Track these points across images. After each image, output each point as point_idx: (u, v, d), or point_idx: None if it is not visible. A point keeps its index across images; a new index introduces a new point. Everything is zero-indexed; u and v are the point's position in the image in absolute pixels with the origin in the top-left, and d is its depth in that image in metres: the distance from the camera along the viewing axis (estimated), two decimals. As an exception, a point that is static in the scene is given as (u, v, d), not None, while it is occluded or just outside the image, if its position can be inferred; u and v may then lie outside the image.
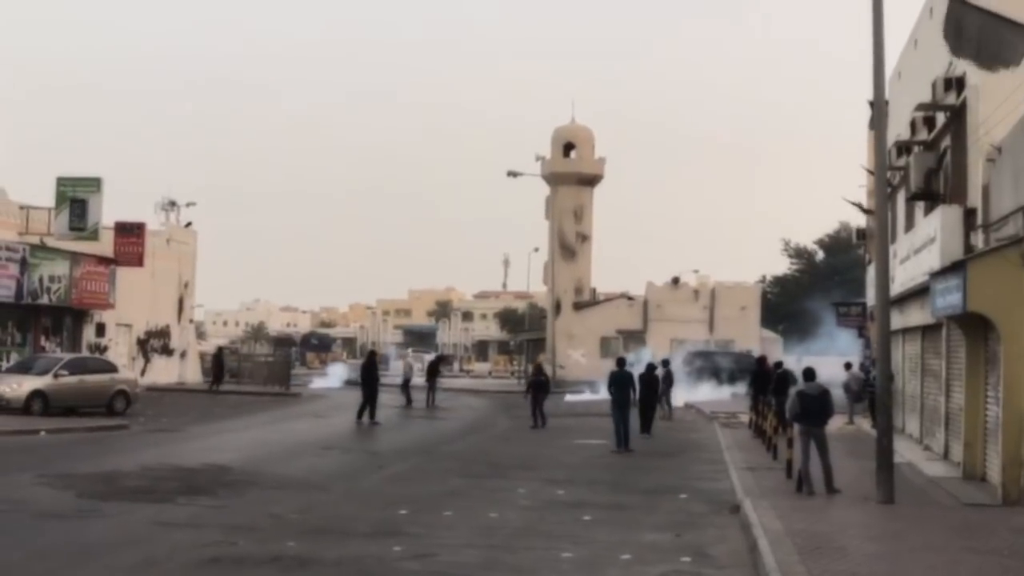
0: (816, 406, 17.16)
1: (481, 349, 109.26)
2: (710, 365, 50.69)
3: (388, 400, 37.38)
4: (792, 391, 18.78)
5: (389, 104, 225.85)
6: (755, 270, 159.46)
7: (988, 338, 17.75)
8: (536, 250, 77.05)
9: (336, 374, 57.73)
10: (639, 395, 26.67)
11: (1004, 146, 17.10)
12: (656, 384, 29.19)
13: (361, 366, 32.78)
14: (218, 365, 46.62)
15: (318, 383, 53.26)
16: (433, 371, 39.90)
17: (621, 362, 26.46)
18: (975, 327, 17.84)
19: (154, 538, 12.58)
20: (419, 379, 40.22)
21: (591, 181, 67.30)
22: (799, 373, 18.83)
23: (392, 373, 54.60)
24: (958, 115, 20.41)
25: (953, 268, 17.21)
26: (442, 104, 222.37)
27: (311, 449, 23.26)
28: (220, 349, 53.14)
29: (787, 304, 73.18)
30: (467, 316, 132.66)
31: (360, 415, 29.90)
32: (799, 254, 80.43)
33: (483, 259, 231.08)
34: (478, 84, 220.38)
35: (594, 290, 69.17)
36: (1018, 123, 16.34)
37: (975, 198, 18.95)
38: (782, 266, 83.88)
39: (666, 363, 35.24)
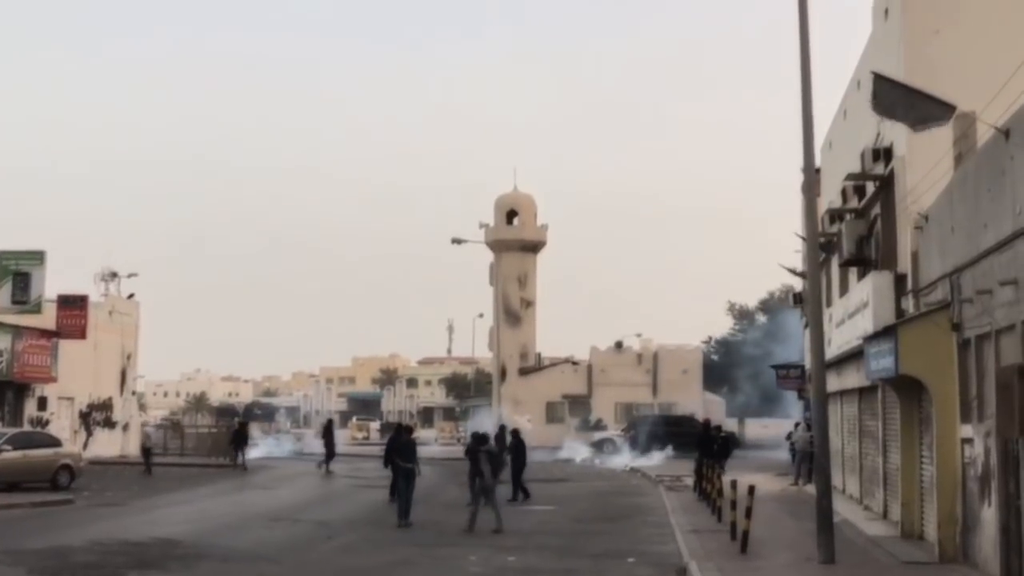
0: (496, 463, 21.90)
1: (427, 416, 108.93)
2: (653, 429, 51.19)
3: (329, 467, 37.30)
4: (481, 451, 21.63)
5: (331, 170, 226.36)
6: (697, 331, 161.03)
7: (921, 400, 18.37)
8: (481, 316, 77.58)
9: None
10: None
11: (931, 214, 17.83)
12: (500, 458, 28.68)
13: (389, 440, 27.85)
14: (329, 437, 40.67)
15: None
16: (241, 436, 43.44)
17: (408, 430, 25.07)
18: (909, 389, 18.45)
19: (108, 613, 12.64)
20: None
21: (534, 247, 68.13)
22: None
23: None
24: (887, 184, 21.21)
25: (885, 332, 17.85)
26: (385, 170, 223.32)
27: (259, 521, 23.26)
28: (330, 422, 45.88)
29: (730, 366, 74.04)
30: (412, 383, 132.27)
31: (393, 493, 25.83)
32: (742, 315, 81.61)
33: (427, 325, 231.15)
34: (421, 152, 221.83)
35: (539, 355, 69.67)
36: (943, 192, 17.07)
37: (905, 264, 19.67)
38: (725, 326, 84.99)
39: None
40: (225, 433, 52.11)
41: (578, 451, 51.67)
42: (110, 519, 23.24)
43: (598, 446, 52.39)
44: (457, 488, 31.49)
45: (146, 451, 39.96)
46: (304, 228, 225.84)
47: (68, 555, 17.32)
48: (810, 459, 31.86)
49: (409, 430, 25.25)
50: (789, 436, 37.47)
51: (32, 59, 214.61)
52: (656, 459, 44.69)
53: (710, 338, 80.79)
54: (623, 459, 47.38)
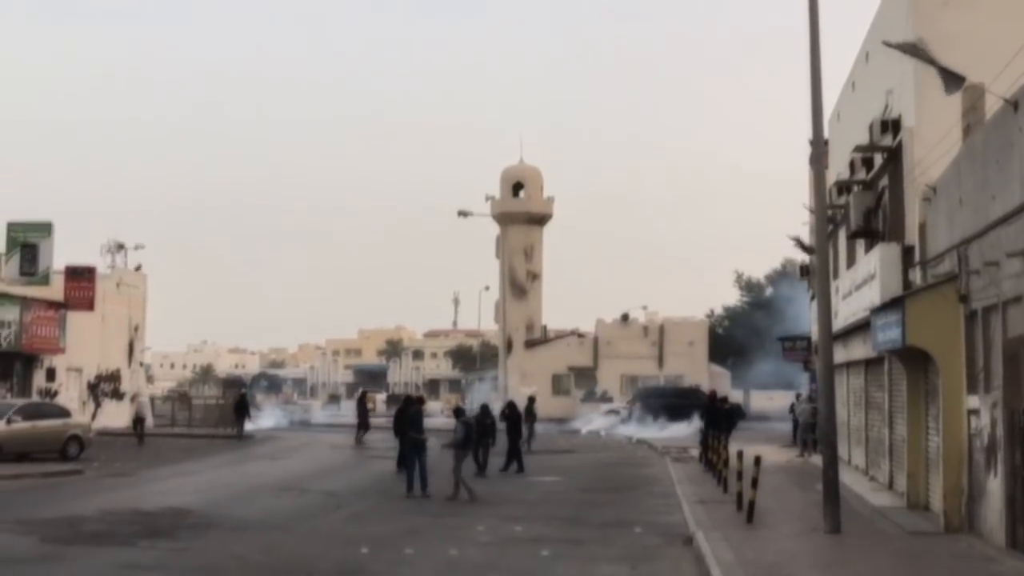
0: (476, 433, 23.86)
1: (433, 387, 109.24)
2: (660, 401, 51.34)
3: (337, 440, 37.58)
4: (459, 421, 22.73)
5: (339, 143, 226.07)
6: (704, 302, 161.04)
7: (928, 371, 18.41)
8: (487, 288, 77.65)
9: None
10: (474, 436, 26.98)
11: (939, 186, 17.81)
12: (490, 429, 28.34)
13: (397, 411, 27.38)
14: (363, 411, 40.90)
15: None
16: (242, 406, 44.81)
17: (419, 401, 25.30)
18: (915, 361, 18.49)
19: (121, 581, 12.78)
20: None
21: (540, 220, 68.05)
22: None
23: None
24: (895, 156, 21.16)
25: (892, 304, 17.88)
26: (390, 143, 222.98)
27: (268, 491, 23.41)
28: (364, 394, 46.97)
29: (736, 337, 73.88)
30: (418, 355, 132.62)
31: (400, 464, 25.65)
32: (750, 287, 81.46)
33: (433, 298, 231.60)
34: (427, 123, 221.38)
35: (545, 327, 69.72)
36: (951, 164, 17.05)
37: (912, 236, 19.65)
38: (732, 297, 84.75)
39: None
40: (231, 404, 52.50)
41: (596, 421, 52.06)
42: (120, 489, 23.39)
43: (615, 414, 52.90)
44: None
45: (139, 421, 40.01)
46: (311, 200, 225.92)
47: (79, 524, 17.47)
48: (811, 430, 32.08)
49: (420, 401, 25.33)
50: (792, 408, 37.62)
51: (36, 32, 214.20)
52: (673, 431, 44.59)
53: (712, 311, 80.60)
54: (628, 430, 47.56)
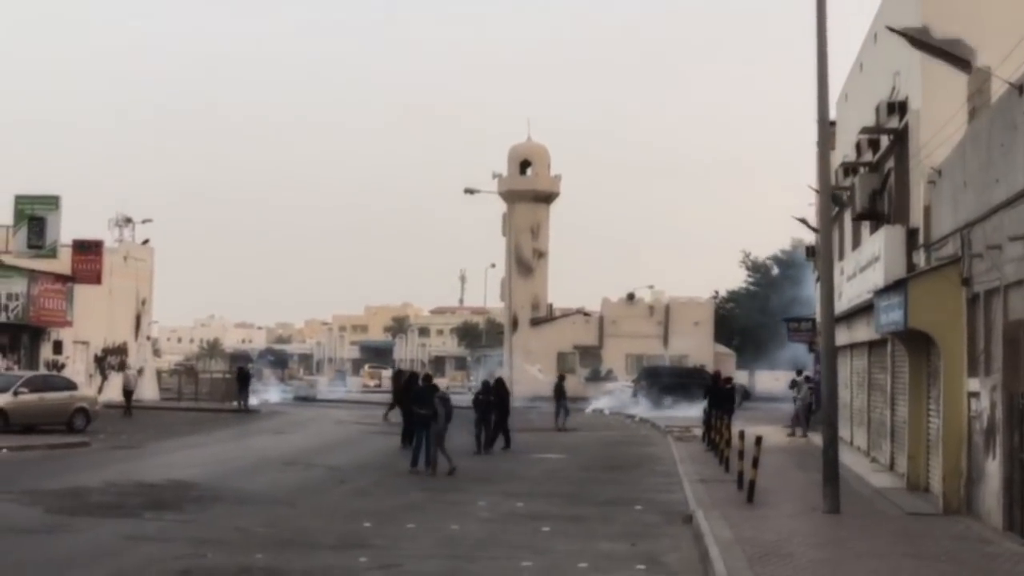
0: (479, 411, 26.97)
1: (438, 365, 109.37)
2: (664, 381, 51.47)
3: (345, 416, 37.71)
4: (436, 397, 22.46)
5: (346, 120, 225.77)
6: (709, 284, 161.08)
7: (930, 353, 18.46)
8: (493, 266, 77.62)
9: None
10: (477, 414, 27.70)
11: (943, 169, 17.82)
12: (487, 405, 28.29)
13: (404, 388, 28.34)
14: (398, 387, 36.95)
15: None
16: (243, 380, 46.21)
17: (427, 378, 25.31)
18: (918, 343, 18.54)
19: (125, 552, 12.93)
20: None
21: (547, 198, 68.00)
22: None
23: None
24: (901, 138, 21.15)
25: (895, 286, 17.92)
26: (398, 121, 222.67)
27: (273, 465, 23.57)
28: (399, 371, 46.21)
29: (742, 318, 73.85)
30: (424, 332, 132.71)
31: (405, 440, 26.10)
32: (756, 268, 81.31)
33: (439, 275, 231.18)
34: (435, 101, 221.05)
35: (551, 306, 69.76)
36: (956, 147, 17.05)
37: (917, 219, 19.67)
38: (738, 279, 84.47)
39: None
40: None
41: (614, 395, 52.35)
42: (126, 461, 23.58)
43: (631, 391, 53.21)
44: (468, 435, 31.83)
45: (128, 393, 40.17)
46: (318, 177, 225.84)
47: (85, 495, 17.65)
48: (808, 410, 32.21)
49: (428, 378, 25.35)
50: (793, 385, 37.45)
51: (42, 4, 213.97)
52: (677, 410, 44.68)
53: (716, 293, 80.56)
54: (634, 409, 47.71)
